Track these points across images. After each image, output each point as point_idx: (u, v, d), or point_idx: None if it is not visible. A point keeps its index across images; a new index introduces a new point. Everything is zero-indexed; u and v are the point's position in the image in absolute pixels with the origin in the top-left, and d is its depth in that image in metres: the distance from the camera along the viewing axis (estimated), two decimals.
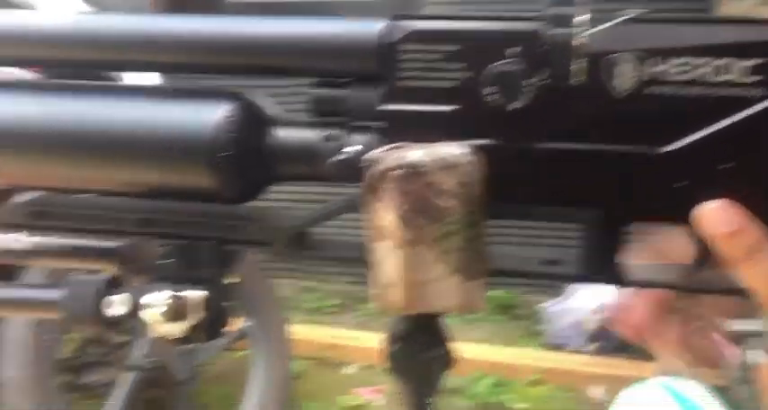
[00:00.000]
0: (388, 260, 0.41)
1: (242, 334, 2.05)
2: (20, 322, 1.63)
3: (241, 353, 2.21)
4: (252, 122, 0.45)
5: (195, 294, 0.45)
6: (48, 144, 0.46)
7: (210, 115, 0.44)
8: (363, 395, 2.36)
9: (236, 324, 2.08)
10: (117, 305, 0.45)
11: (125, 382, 1.81)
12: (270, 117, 0.47)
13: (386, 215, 0.40)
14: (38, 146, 0.46)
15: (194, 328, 0.46)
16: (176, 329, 0.45)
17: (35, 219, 0.49)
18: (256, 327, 2.03)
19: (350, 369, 2.54)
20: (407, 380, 0.44)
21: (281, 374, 2.02)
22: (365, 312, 2.96)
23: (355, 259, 0.46)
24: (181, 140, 0.44)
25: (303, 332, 2.51)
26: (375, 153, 0.41)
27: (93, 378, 1.86)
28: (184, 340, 0.46)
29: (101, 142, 0.45)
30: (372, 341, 2.62)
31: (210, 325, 0.46)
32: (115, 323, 0.45)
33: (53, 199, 0.49)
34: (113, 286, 0.46)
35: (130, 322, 0.47)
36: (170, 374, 1.84)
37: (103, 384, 1.86)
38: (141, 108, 0.46)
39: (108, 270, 0.49)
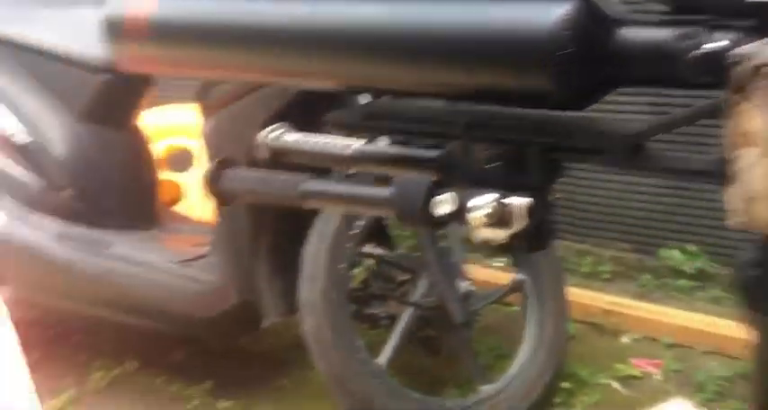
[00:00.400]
0: (755, 169, 0.35)
1: (516, 287, 2.04)
2: (316, 248, 1.78)
3: (515, 308, 2.21)
4: (592, 21, 0.42)
5: (520, 201, 0.44)
6: (382, 46, 0.47)
7: (548, 13, 0.42)
8: (641, 366, 2.23)
9: (510, 276, 2.08)
10: (443, 204, 0.45)
11: (404, 318, 1.90)
12: (613, 16, 0.43)
13: (755, 118, 0.35)
14: (378, 47, 0.47)
15: (517, 236, 0.44)
16: (499, 235, 0.45)
17: (369, 121, 0.51)
18: (532, 282, 2.01)
19: (626, 339, 2.43)
20: (766, 313, 0.39)
21: (555, 334, 1.98)
22: (643, 282, 2.79)
23: (701, 173, 0.41)
24: (515, 40, 0.43)
25: (578, 295, 2.44)
26: (744, 48, 0.36)
27: (376, 310, 1.98)
28: (506, 247, 0.45)
29: (431, 42, 0.45)
30: (652, 312, 2.47)
31: (534, 235, 0.45)
32: (440, 223, 0.46)
33: (386, 103, 0.51)
34: (440, 186, 0.46)
35: (453, 224, 0.47)
36: (447, 316, 1.89)
37: (384, 317, 1.98)
38: (475, 7, 0.45)
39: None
